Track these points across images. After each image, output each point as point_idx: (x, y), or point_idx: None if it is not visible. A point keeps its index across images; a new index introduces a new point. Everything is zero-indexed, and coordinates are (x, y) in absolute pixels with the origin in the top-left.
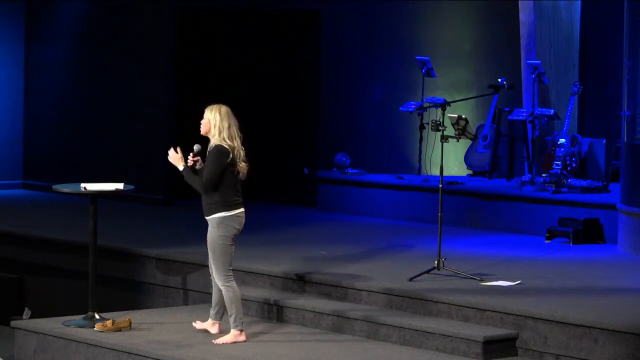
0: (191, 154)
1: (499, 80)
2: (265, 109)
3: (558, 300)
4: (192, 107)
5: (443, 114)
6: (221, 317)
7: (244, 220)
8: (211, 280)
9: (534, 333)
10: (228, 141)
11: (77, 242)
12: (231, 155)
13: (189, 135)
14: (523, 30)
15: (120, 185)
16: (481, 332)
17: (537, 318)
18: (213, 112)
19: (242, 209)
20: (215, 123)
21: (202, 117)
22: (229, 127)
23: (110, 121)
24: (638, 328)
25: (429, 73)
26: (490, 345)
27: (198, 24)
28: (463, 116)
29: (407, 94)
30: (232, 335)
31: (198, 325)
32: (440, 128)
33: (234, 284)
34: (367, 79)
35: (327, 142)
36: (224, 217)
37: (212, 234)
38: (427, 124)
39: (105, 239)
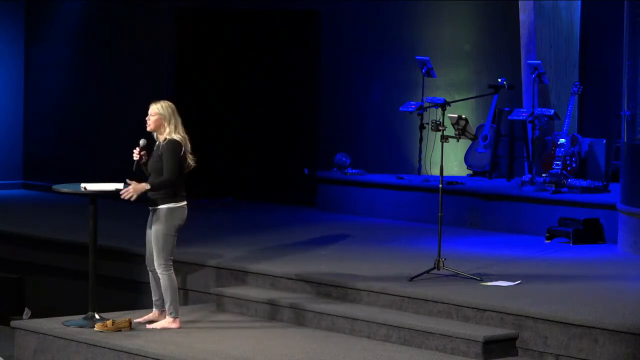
0: (137, 149)
1: (499, 80)
2: (265, 109)
3: (558, 300)
4: (192, 106)
5: (443, 114)
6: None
7: (186, 214)
8: (151, 272)
9: (534, 333)
10: (182, 133)
11: (77, 242)
12: (183, 147)
13: (189, 134)
14: (523, 30)
15: (120, 185)
16: (481, 332)
17: (537, 318)
18: (164, 108)
19: (186, 202)
20: (169, 118)
21: (201, 117)
22: (180, 122)
23: (110, 121)
24: (638, 328)
25: (429, 73)
26: (490, 345)
27: (198, 24)
28: (463, 116)
29: (407, 94)
30: (166, 322)
31: (143, 319)
32: (440, 128)
33: (172, 272)
34: (367, 79)
35: (327, 142)
36: (171, 209)
37: (157, 224)
38: (427, 124)
39: (105, 239)
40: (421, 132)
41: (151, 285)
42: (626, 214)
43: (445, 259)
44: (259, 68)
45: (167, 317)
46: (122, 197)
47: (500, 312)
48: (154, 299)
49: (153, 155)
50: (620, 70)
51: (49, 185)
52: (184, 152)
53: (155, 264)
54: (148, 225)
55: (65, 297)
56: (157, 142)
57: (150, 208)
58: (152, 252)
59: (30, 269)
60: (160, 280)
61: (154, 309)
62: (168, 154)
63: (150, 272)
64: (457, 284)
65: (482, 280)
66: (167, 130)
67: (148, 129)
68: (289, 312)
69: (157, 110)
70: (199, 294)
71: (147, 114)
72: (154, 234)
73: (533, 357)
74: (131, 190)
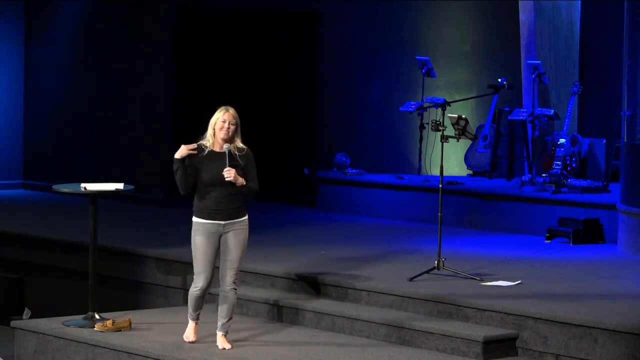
0: (192, 145)
1: (499, 80)
2: (265, 109)
3: (558, 300)
4: (192, 106)
5: (443, 114)
6: None
7: None
8: (222, 293)
9: (534, 333)
10: None
11: (77, 242)
12: None
13: (189, 135)
14: (523, 30)
15: (120, 185)
16: (481, 332)
17: (537, 318)
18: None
19: None
20: (239, 127)
21: (201, 117)
22: None
23: (110, 121)
24: (638, 328)
25: (429, 73)
26: (490, 345)
27: (197, 24)
28: (463, 116)
29: (407, 94)
30: (225, 339)
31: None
32: (440, 128)
33: None
34: (367, 79)
35: (327, 142)
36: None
37: (244, 234)
38: (427, 124)
39: (105, 239)
40: (421, 132)
41: (220, 307)
42: (626, 214)
43: (445, 259)
44: (259, 68)
45: (224, 333)
46: (226, 175)
47: (500, 312)
48: (224, 321)
49: (224, 164)
50: (620, 70)
51: (49, 185)
52: None
53: (234, 278)
54: (211, 243)
55: (65, 297)
56: (225, 152)
57: (223, 222)
58: (218, 268)
59: (30, 269)
60: (232, 296)
61: (221, 332)
62: (254, 164)
63: (220, 293)
64: (457, 284)
65: (482, 280)
66: (238, 138)
67: (225, 137)
68: (289, 312)
69: (234, 118)
70: None
71: (146, 113)
72: (243, 247)
73: (533, 357)
74: (233, 174)
